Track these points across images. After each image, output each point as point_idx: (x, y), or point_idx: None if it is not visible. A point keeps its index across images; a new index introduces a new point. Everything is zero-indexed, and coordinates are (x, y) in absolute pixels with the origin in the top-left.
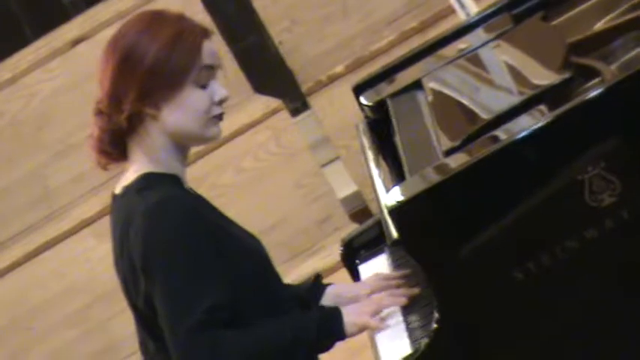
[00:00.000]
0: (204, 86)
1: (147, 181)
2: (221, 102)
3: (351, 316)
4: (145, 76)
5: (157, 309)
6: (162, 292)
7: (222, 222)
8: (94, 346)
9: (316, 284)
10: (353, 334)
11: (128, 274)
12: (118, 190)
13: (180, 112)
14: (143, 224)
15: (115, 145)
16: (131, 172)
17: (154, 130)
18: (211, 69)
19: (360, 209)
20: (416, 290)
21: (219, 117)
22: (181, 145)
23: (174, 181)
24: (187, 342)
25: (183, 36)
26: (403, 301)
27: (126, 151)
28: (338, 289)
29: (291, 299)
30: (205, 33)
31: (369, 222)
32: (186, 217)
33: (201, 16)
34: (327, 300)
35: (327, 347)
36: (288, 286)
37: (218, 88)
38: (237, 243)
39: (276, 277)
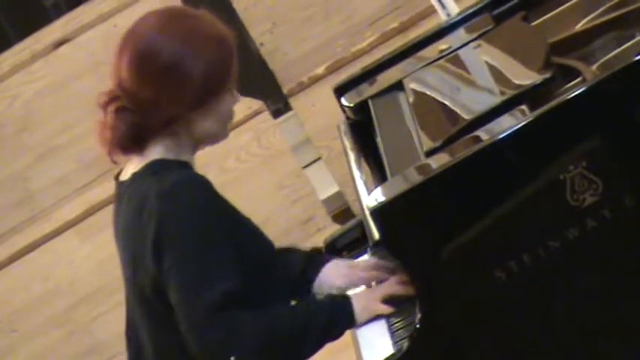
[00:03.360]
0: (232, 91)
1: (160, 165)
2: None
3: (361, 302)
4: (192, 88)
5: (168, 291)
6: (179, 273)
7: (233, 208)
8: (78, 348)
9: (317, 255)
10: (364, 320)
11: (139, 256)
12: (124, 176)
13: (214, 118)
14: (158, 205)
15: (134, 141)
16: (139, 160)
17: (183, 131)
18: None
19: (342, 210)
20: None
21: (232, 119)
22: (199, 144)
23: (186, 166)
24: (205, 322)
25: (223, 47)
26: (411, 290)
27: (142, 144)
28: (334, 268)
29: (288, 288)
30: (233, 36)
31: (351, 223)
32: (203, 198)
33: None
34: (323, 279)
35: (337, 335)
36: (288, 251)
37: (236, 93)
38: (248, 228)
39: (274, 265)
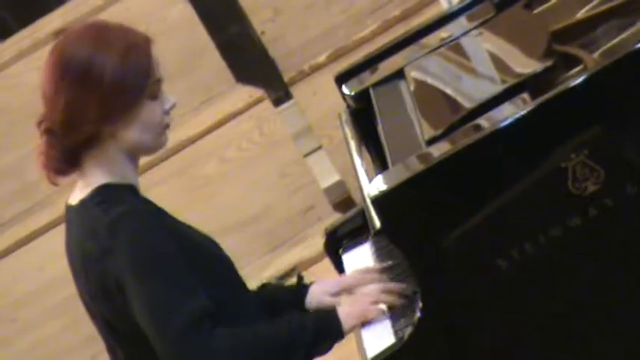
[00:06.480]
0: (155, 97)
1: (105, 193)
2: (169, 110)
3: (346, 309)
4: (105, 97)
5: (137, 322)
6: (145, 304)
7: (183, 229)
8: (77, 338)
9: (300, 285)
10: (352, 328)
11: (96, 289)
12: (73, 201)
13: (137, 127)
14: (110, 239)
15: (67, 163)
16: (86, 184)
17: (110, 147)
18: (160, 81)
19: (343, 199)
20: (408, 290)
21: (168, 125)
22: (134, 156)
23: (131, 191)
24: (180, 343)
25: (133, 49)
26: (398, 301)
27: (77, 164)
28: (321, 286)
29: (256, 303)
30: (149, 41)
31: (352, 211)
32: (152, 227)
33: (182, 6)
34: (312, 297)
35: (326, 349)
36: (268, 287)
37: (166, 97)
38: (202, 249)
39: (238, 281)
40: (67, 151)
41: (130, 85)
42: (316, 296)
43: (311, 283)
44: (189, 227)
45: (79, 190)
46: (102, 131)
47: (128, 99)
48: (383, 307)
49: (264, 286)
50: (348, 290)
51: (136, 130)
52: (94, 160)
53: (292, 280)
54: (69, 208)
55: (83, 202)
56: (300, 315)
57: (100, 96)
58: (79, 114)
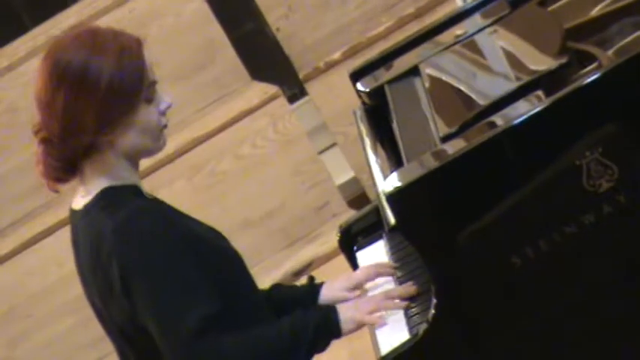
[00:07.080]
0: (150, 100)
1: (109, 196)
2: (165, 111)
3: (348, 313)
4: (102, 102)
5: (145, 325)
6: (153, 307)
7: (192, 225)
8: (93, 334)
9: (312, 285)
10: (350, 331)
11: (105, 293)
12: (77, 206)
13: (135, 132)
14: (116, 243)
15: (66, 171)
16: (89, 188)
17: (109, 153)
18: (155, 83)
19: (357, 195)
20: (413, 288)
21: (166, 126)
22: (134, 159)
23: (135, 191)
24: (188, 351)
25: (127, 52)
26: (402, 305)
27: (76, 171)
28: (333, 284)
29: (265, 301)
30: (141, 44)
31: (367, 208)
32: (158, 228)
33: (197, 2)
34: (324, 297)
35: (324, 346)
36: (280, 287)
37: (161, 98)
38: (210, 245)
39: (249, 278)
40: (65, 160)
41: (126, 89)
42: (328, 294)
43: (322, 283)
44: (197, 222)
45: (80, 195)
46: (100, 140)
47: (125, 103)
48: (385, 313)
49: (275, 287)
50: (359, 286)
51: (133, 134)
52: (94, 167)
53: (303, 280)
54: (73, 213)
55: (87, 207)
56: (302, 313)
57: (98, 101)
58: (77, 121)
